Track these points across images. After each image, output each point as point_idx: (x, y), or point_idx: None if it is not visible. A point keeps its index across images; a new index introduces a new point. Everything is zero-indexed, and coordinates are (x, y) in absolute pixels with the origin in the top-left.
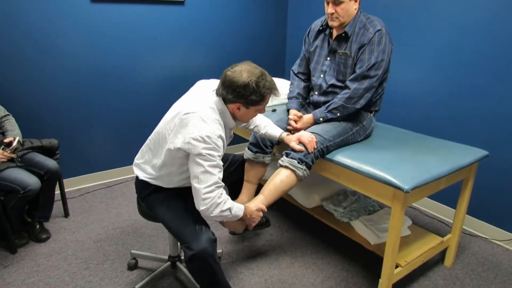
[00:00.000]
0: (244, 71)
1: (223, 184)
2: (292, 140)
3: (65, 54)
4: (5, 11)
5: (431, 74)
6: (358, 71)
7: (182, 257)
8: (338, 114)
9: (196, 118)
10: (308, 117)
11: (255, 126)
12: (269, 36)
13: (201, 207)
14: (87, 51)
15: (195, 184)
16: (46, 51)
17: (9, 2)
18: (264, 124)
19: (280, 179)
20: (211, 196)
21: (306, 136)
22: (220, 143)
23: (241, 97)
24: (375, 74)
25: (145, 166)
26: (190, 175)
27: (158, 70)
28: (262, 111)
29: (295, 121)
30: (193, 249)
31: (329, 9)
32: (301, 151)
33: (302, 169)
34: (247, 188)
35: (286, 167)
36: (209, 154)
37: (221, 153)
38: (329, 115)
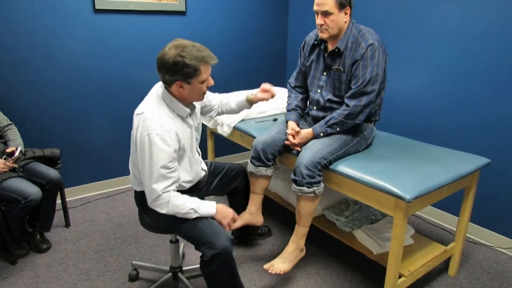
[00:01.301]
0: (171, 48)
1: (174, 187)
2: (257, 94)
3: (68, 64)
4: (9, 21)
5: (431, 82)
6: (353, 87)
7: (184, 268)
8: (338, 129)
9: (144, 118)
10: (307, 132)
11: (225, 104)
12: (270, 46)
13: (155, 208)
14: (89, 61)
15: (146, 184)
16: (49, 61)
17: (13, 13)
18: (232, 98)
19: (302, 206)
20: (165, 200)
21: (267, 85)
22: (170, 138)
23: (176, 73)
24: (372, 90)
25: (134, 178)
26: (142, 173)
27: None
28: (209, 82)
29: (293, 136)
30: (216, 248)
31: (318, 20)
32: (265, 99)
33: (313, 191)
34: (254, 199)
35: (300, 196)
36: (159, 153)
37: (173, 148)
38: (329, 130)
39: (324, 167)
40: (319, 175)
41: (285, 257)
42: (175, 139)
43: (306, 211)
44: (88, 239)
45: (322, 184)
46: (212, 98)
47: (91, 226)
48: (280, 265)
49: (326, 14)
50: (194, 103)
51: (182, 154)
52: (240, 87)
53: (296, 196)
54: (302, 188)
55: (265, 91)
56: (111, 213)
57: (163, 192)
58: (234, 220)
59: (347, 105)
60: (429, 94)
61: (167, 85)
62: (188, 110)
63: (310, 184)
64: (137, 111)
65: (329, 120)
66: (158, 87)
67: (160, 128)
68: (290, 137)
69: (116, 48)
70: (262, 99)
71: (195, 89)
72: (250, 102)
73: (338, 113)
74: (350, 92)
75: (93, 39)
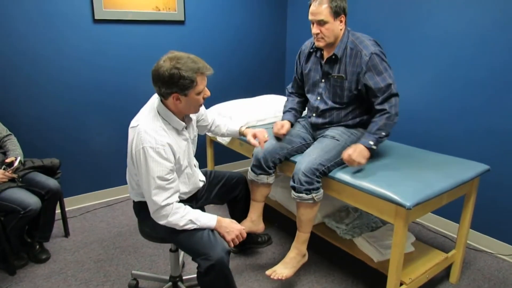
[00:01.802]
0: (166, 61)
1: (175, 198)
2: (249, 134)
3: (67, 73)
4: (7, 32)
5: (430, 89)
6: (379, 95)
7: (184, 277)
8: (383, 133)
9: (139, 131)
10: (359, 147)
11: (216, 127)
12: (268, 54)
13: (156, 220)
14: (89, 71)
15: (147, 197)
16: (48, 71)
17: (11, 23)
18: (224, 123)
19: (301, 213)
20: (166, 212)
21: (262, 132)
22: (165, 151)
23: (173, 86)
24: (396, 90)
25: (131, 189)
26: (141, 186)
27: None
28: (205, 93)
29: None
30: (211, 259)
31: (314, 29)
32: (255, 146)
33: (311, 198)
34: (254, 207)
35: (299, 202)
36: (155, 166)
37: (169, 162)
38: (376, 136)
39: (323, 174)
40: (318, 182)
41: (287, 263)
42: (169, 151)
43: (306, 217)
44: (88, 248)
45: (321, 191)
46: (207, 115)
47: (90, 236)
48: (282, 270)
49: (321, 23)
50: (190, 115)
51: (178, 167)
52: (240, 95)
53: (295, 203)
54: (301, 195)
55: (255, 137)
56: (110, 222)
57: (165, 205)
58: (241, 237)
59: (383, 109)
60: (429, 101)
61: (163, 97)
62: (183, 123)
63: (308, 191)
64: (132, 124)
65: (371, 128)
66: (154, 99)
67: (154, 141)
68: (276, 129)
69: (116, 58)
70: (249, 141)
71: (192, 101)
72: (241, 134)
73: (378, 119)
74: (379, 99)
75: (93, 49)
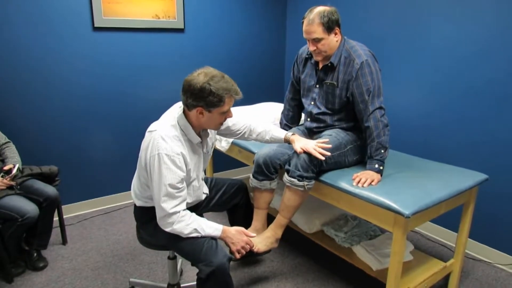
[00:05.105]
0: (201, 74)
1: (183, 206)
2: (296, 143)
3: (66, 81)
4: (7, 39)
5: (430, 98)
6: (362, 106)
7: (182, 285)
8: (382, 151)
9: (155, 137)
10: (369, 172)
11: (258, 134)
12: (267, 62)
13: (162, 227)
14: (88, 79)
15: (156, 202)
16: (47, 79)
17: (12, 31)
18: (268, 129)
19: (288, 198)
20: (172, 220)
21: (311, 145)
22: (179, 160)
23: (200, 100)
24: (380, 103)
25: (138, 192)
26: (151, 191)
27: (159, 96)
28: (228, 115)
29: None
30: (212, 265)
31: (311, 46)
32: (300, 153)
33: (302, 186)
34: (258, 215)
35: (289, 187)
36: (168, 173)
37: (181, 171)
38: (378, 157)
39: (320, 165)
40: (313, 171)
41: (262, 239)
42: (183, 161)
43: (291, 203)
44: (85, 256)
45: (313, 182)
46: (237, 123)
47: (88, 244)
48: (258, 243)
49: (316, 40)
50: (208, 130)
51: (187, 179)
52: (239, 102)
53: (285, 187)
54: (293, 179)
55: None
56: (108, 230)
57: (173, 213)
58: (248, 247)
59: (368, 127)
60: (428, 110)
61: (187, 108)
62: (199, 138)
63: (301, 178)
64: (150, 128)
65: (370, 152)
66: (177, 107)
67: (170, 149)
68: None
69: (115, 66)
70: (295, 150)
71: (214, 119)
72: (287, 141)
73: (370, 140)
74: (364, 114)
75: (92, 57)
